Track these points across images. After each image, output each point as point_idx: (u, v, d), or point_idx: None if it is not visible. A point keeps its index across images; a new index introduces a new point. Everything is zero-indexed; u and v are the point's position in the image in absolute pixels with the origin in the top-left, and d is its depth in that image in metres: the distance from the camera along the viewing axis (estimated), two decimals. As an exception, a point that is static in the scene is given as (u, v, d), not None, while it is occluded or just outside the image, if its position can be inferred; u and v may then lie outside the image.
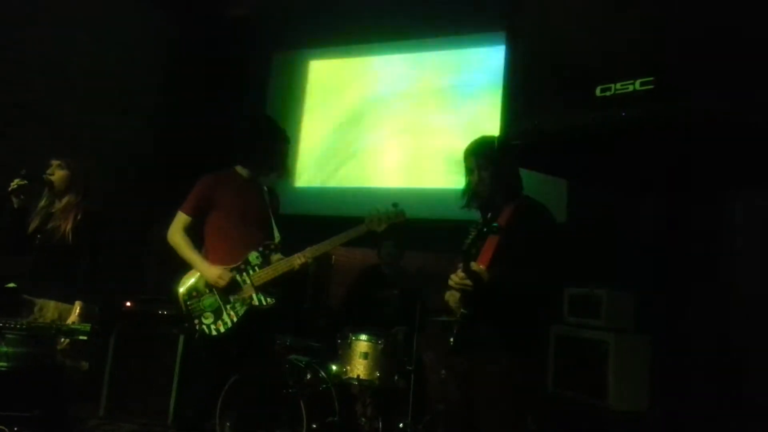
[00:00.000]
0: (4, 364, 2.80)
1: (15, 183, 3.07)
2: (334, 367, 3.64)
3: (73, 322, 2.93)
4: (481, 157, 2.55)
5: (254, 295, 3.03)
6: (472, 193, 2.60)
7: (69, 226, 3.09)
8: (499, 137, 1.11)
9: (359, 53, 5.78)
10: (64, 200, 3.17)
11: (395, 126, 5.44)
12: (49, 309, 3.06)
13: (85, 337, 2.83)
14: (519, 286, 2.39)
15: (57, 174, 3.17)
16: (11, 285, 3.26)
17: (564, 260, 2.51)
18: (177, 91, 5.85)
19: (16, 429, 2.72)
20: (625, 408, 3.29)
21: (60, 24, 4.82)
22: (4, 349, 2.85)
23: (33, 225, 3.16)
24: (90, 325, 2.87)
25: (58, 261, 3.10)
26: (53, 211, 3.17)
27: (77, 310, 2.99)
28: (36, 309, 3.07)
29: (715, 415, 3.20)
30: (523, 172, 2.57)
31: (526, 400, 2.47)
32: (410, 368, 3.58)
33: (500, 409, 2.40)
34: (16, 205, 3.11)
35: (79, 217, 3.12)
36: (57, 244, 3.08)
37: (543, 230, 2.45)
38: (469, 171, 2.59)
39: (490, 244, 2.50)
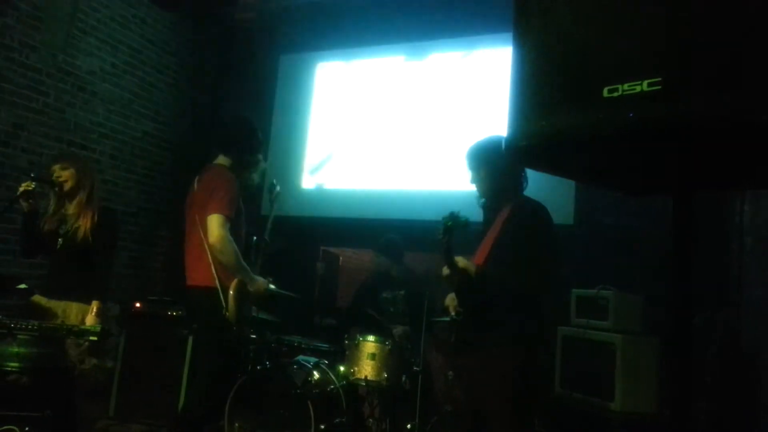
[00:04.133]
0: (16, 364, 2.82)
1: (24, 186, 3.09)
2: (341, 368, 3.64)
3: (92, 324, 2.94)
4: (476, 159, 2.63)
5: None
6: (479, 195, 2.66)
7: (89, 226, 3.10)
8: (505, 138, 1.12)
9: (366, 55, 5.80)
10: (76, 200, 3.18)
11: (402, 128, 5.44)
12: (72, 311, 3.07)
13: (95, 338, 2.85)
14: (506, 283, 2.41)
15: (64, 175, 3.19)
16: (23, 286, 3.29)
17: (554, 259, 2.51)
18: (185, 94, 5.89)
19: (27, 429, 2.74)
20: (633, 410, 3.28)
21: (69, 28, 4.86)
22: (16, 349, 2.87)
23: (48, 228, 3.16)
24: (101, 326, 2.89)
25: (79, 262, 3.11)
26: (66, 213, 3.19)
27: (94, 310, 3.00)
28: (60, 312, 3.08)
29: (724, 417, 3.19)
30: (532, 173, 2.59)
31: (528, 399, 2.47)
32: (417, 369, 3.59)
33: (501, 407, 2.41)
34: (26, 209, 3.13)
35: (96, 217, 3.15)
36: (80, 245, 3.10)
37: (533, 229, 2.48)
38: (471, 173, 2.66)
39: (487, 240, 2.54)
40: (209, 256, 2.89)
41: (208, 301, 2.91)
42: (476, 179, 2.65)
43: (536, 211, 2.55)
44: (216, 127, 3.32)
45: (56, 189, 3.20)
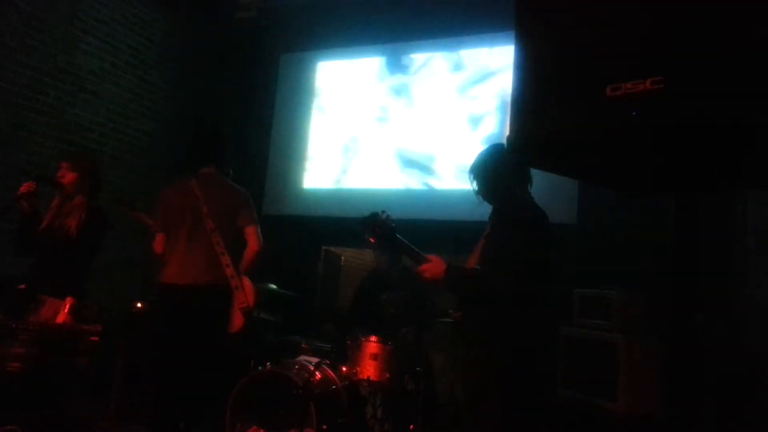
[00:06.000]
0: (17, 364, 2.83)
1: (24, 186, 3.10)
2: (343, 369, 3.63)
3: (65, 321, 2.95)
4: (476, 170, 2.66)
5: None
6: None
7: (75, 223, 3.13)
8: (508, 137, 1.11)
9: (367, 54, 5.79)
10: (75, 200, 3.21)
11: (403, 127, 5.44)
12: (44, 306, 3.07)
13: (96, 338, 2.87)
14: (479, 285, 2.42)
15: (67, 176, 3.21)
16: (23, 287, 3.30)
17: (532, 259, 2.47)
18: (186, 93, 5.88)
19: (27, 429, 2.74)
20: (635, 411, 3.27)
21: (69, 27, 4.86)
22: (18, 350, 2.87)
23: (44, 225, 3.19)
24: (101, 326, 2.90)
25: (59, 257, 3.12)
26: (62, 211, 3.20)
27: (66, 307, 2.98)
28: (33, 305, 3.08)
29: (727, 418, 3.18)
30: (534, 172, 2.59)
31: (524, 399, 2.46)
32: (419, 369, 3.58)
33: (496, 406, 2.40)
34: (26, 209, 3.14)
35: (84, 215, 3.16)
36: (60, 240, 3.11)
37: (510, 229, 2.46)
38: (476, 186, 2.70)
39: (479, 244, 2.57)
40: (227, 256, 3.21)
41: (222, 298, 3.18)
42: (481, 189, 2.66)
43: (516, 210, 2.53)
44: (210, 139, 3.59)
45: (59, 189, 3.22)
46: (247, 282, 3.28)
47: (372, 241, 2.45)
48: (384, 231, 2.48)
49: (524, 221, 2.48)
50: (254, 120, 6.02)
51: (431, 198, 5.12)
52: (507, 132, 1.12)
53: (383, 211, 2.49)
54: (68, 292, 3.02)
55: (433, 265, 2.45)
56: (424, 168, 5.29)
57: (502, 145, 2.63)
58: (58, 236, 3.12)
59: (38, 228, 3.18)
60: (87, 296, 3.17)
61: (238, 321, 3.19)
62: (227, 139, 3.63)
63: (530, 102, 1.09)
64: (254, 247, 3.30)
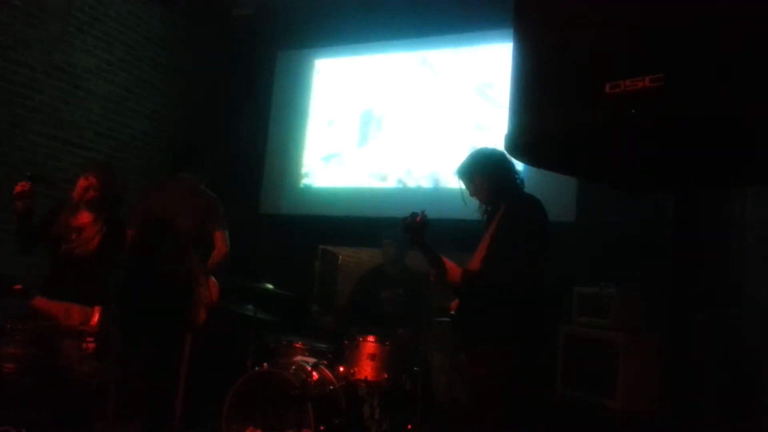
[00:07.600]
0: (12, 365, 2.81)
1: (20, 186, 3.08)
2: (341, 369, 3.62)
3: (92, 326, 2.97)
4: (466, 172, 2.74)
5: None
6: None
7: (97, 240, 3.15)
8: (506, 135, 1.09)
9: (365, 51, 5.76)
10: (94, 212, 3.21)
11: (402, 125, 5.42)
12: (74, 313, 3.08)
13: (91, 339, 2.86)
14: (500, 281, 2.42)
15: (90, 192, 3.20)
16: (18, 287, 3.29)
17: (546, 252, 2.51)
18: (182, 91, 5.85)
19: (23, 430, 2.73)
20: (635, 408, 3.26)
21: (64, 24, 4.83)
22: (12, 350, 2.86)
23: (56, 230, 3.18)
24: (96, 327, 2.90)
25: (84, 268, 3.14)
26: (77, 224, 3.20)
27: (97, 315, 3.00)
28: (61, 313, 3.09)
29: (726, 416, 3.17)
30: (533, 169, 2.60)
31: (523, 397, 2.47)
32: (417, 369, 3.57)
33: (495, 404, 2.41)
34: (20, 208, 3.12)
35: (106, 227, 3.19)
36: (80, 257, 3.13)
37: (525, 223, 2.50)
38: (467, 187, 2.76)
39: (484, 240, 2.58)
40: (196, 255, 3.51)
41: (187, 293, 3.48)
42: (472, 190, 2.73)
43: (528, 205, 2.58)
44: (190, 148, 3.91)
45: (70, 199, 3.21)
46: (212, 280, 3.62)
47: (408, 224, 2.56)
48: (418, 225, 2.55)
49: (538, 218, 2.52)
50: (251, 118, 5.99)
51: (430, 197, 5.10)
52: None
53: (423, 210, 2.60)
54: (97, 301, 3.05)
55: (452, 271, 2.54)
56: (423, 167, 5.27)
57: (495, 149, 2.67)
58: (77, 253, 3.14)
59: (35, 227, 3.18)
60: (110, 300, 3.22)
61: (201, 316, 3.49)
62: (206, 150, 3.94)
63: (528, 100, 1.08)
64: (222, 249, 3.63)
